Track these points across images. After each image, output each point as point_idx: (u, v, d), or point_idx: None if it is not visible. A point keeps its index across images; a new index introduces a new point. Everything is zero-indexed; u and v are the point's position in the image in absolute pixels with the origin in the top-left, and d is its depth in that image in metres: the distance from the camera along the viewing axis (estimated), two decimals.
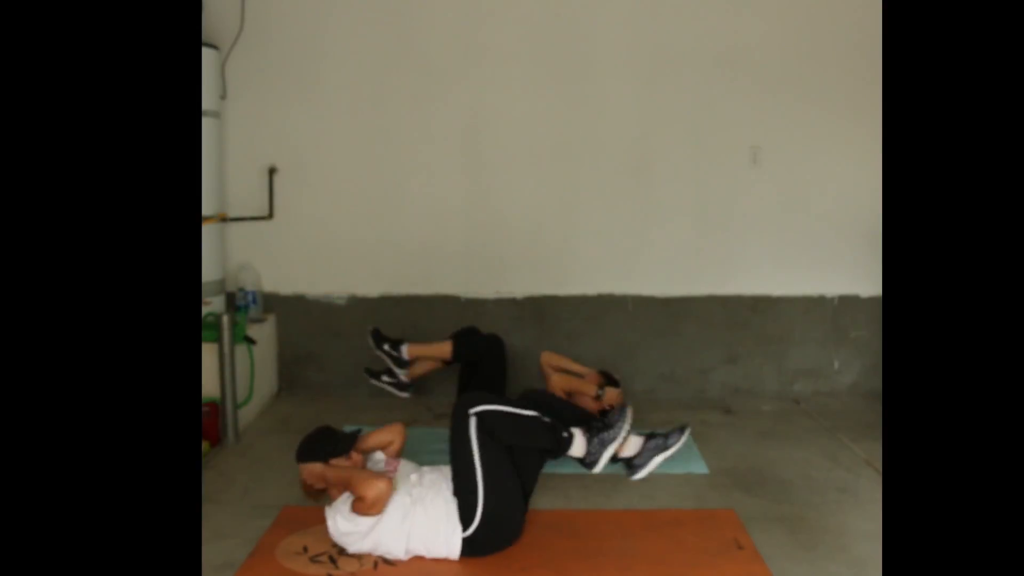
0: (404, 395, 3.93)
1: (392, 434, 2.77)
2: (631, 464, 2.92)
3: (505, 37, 4.09)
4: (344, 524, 2.44)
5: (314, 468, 2.60)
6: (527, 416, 2.60)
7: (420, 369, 3.88)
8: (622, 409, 2.72)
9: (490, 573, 2.45)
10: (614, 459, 2.87)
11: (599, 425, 2.65)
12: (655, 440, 2.95)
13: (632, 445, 2.87)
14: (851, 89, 4.08)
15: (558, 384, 3.44)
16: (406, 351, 3.79)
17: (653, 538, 2.66)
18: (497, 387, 3.61)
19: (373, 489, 2.38)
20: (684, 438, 2.95)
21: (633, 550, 2.58)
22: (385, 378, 3.91)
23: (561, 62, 4.10)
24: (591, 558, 2.53)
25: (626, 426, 2.65)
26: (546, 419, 2.64)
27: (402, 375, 3.87)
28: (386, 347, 3.79)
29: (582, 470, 2.90)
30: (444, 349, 3.73)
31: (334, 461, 2.61)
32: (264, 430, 3.70)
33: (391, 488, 2.45)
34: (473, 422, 2.51)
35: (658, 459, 2.90)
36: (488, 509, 2.47)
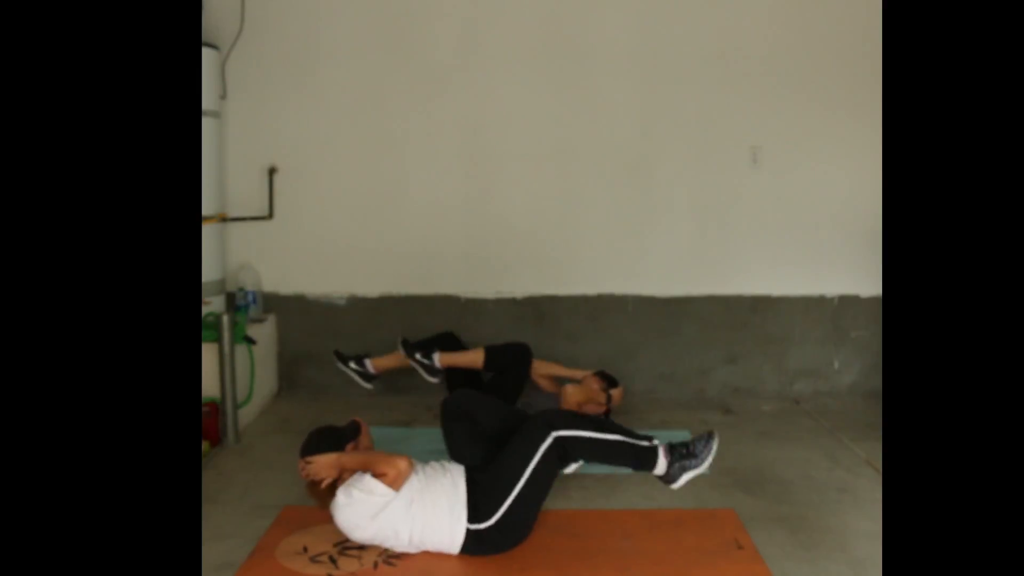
0: (368, 386, 3.89)
1: (392, 468, 2.47)
2: (664, 478, 2.75)
3: (505, 37, 4.09)
4: (359, 493, 2.42)
5: (328, 458, 2.54)
6: (611, 441, 2.61)
7: (389, 363, 3.86)
8: (709, 437, 2.70)
9: (490, 573, 2.45)
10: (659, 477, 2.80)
11: (682, 451, 2.66)
12: (679, 452, 2.72)
13: (662, 464, 2.71)
14: (851, 89, 4.08)
15: (572, 396, 3.45)
16: (438, 359, 3.76)
17: (653, 538, 2.66)
18: (513, 396, 3.62)
19: (394, 467, 2.42)
20: (713, 449, 2.70)
21: (633, 550, 2.58)
22: (353, 364, 3.87)
23: (561, 62, 4.10)
24: (591, 558, 2.53)
25: (710, 459, 2.67)
26: (630, 440, 2.65)
27: (370, 366, 3.83)
28: (418, 356, 3.77)
29: (582, 470, 2.90)
30: (476, 359, 3.72)
31: (349, 447, 2.63)
32: (264, 430, 3.70)
33: (412, 466, 2.47)
34: (550, 441, 2.52)
35: (688, 476, 2.70)
36: (510, 514, 2.49)
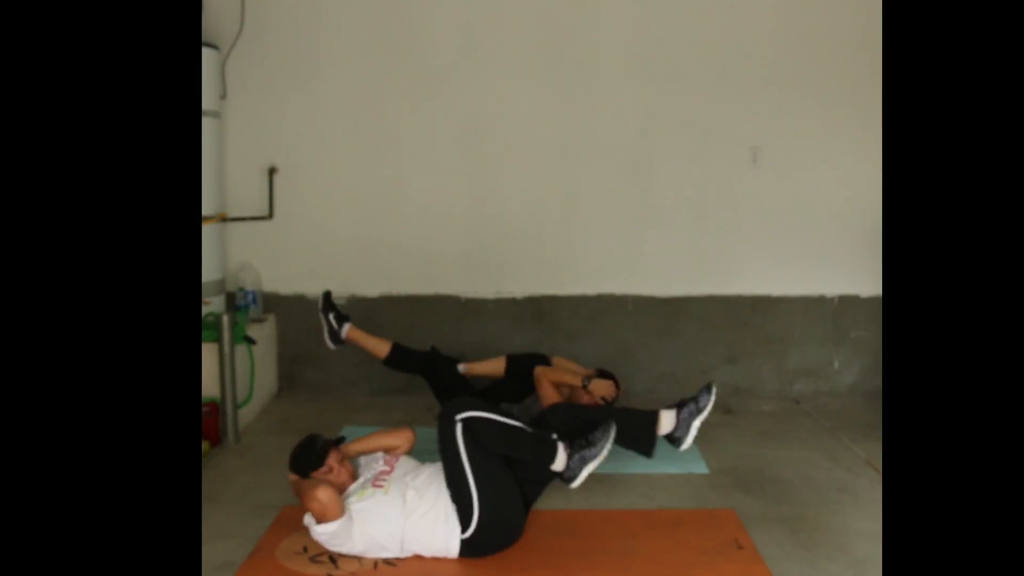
0: (332, 346, 3.75)
1: (399, 439, 2.82)
2: (673, 438, 2.94)
3: (505, 37, 4.09)
4: (313, 534, 2.49)
5: (292, 479, 2.67)
6: (512, 425, 2.60)
7: (361, 342, 3.74)
8: (606, 425, 2.70)
9: (490, 573, 2.45)
10: (667, 437, 2.92)
11: (582, 442, 2.66)
12: (687, 408, 2.94)
13: (667, 420, 2.90)
14: (851, 89, 4.07)
15: (543, 374, 3.40)
16: (463, 368, 3.74)
17: (653, 538, 2.66)
18: (518, 398, 3.62)
19: (314, 502, 2.42)
20: (712, 396, 2.95)
21: (633, 550, 2.58)
22: (332, 317, 3.75)
23: (561, 62, 4.10)
24: (591, 558, 2.53)
25: (608, 444, 2.65)
26: (531, 430, 2.65)
27: (344, 331, 3.72)
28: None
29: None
30: (498, 368, 3.69)
31: (314, 474, 2.61)
32: (264, 430, 3.70)
33: (330, 493, 2.44)
34: (459, 427, 2.53)
35: (696, 423, 2.91)
36: (485, 512, 2.48)
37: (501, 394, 3.59)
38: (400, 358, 3.73)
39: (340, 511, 2.44)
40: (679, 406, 2.95)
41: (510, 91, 4.11)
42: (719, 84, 4.10)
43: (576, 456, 2.63)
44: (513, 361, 3.69)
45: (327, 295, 3.79)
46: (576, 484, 2.64)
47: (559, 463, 2.63)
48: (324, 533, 2.46)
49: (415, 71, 4.10)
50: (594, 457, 2.63)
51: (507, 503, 2.56)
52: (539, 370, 3.42)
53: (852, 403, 4.17)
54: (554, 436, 2.66)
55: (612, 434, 2.66)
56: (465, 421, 2.53)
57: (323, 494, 2.41)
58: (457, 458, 2.52)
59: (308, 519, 2.49)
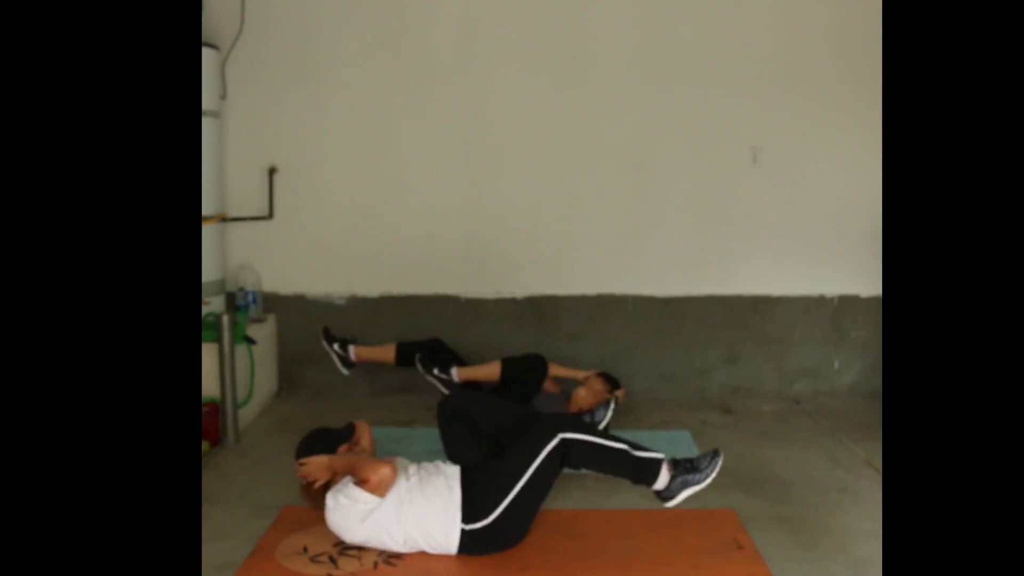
0: (347, 372, 3.91)
1: (375, 475, 2.47)
2: (661, 496, 2.73)
3: (505, 37, 4.09)
4: (344, 500, 2.45)
5: (320, 460, 2.58)
6: (615, 449, 2.59)
7: (369, 356, 3.88)
8: (715, 455, 2.68)
9: (490, 573, 2.45)
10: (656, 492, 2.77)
11: (687, 465, 2.64)
12: (681, 474, 2.70)
13: (663, 477, 2.69)
14: (851, 89, 4.07)
15: (583, 402, 3.46)
16: (456, 374, 3.76)
17: (653, 538, 2.66)
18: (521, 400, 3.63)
19: (376, 473, 2.42)
20: (716, 469, 2.68)
21: (633, 550, 2.58)
22: (337, 347, 3.88)
23: (561, 62, 4.10)
24: (591, 558, 2.53)
25: (713, 475, 2.63)
26: (634, 452, 2.63)
27: (351, 354, 3.86)
28: (436, 371, 3.77)
29: (582, 470, 2.89)
30: (493, 372, 3.71)
31: (340, 449, 2.64)
32: (264, 430, 3.70)
33: (395, 473, 2.47)
34: (555, 443, 2.51)
35: (688, 492, 2.69)
36: (507, 515, 2.48)
37: (506, 396, 3.59)
38: (407, 354, 3.81)
39: (386, 494, 2.45)
40: (674, 466, 2.69)
41: (510, 91, 4.11)
42: (719, 84, 4.10)
43: (679, 479, 2.62)
44: (508, 367, 3.70)
45: (325, 330, 3.93)
46: (672, 505, 2.64)
47: (660, 483, 2.63)
48: (364, 502, 2.42)
49: (415, 71, 4.10)
50: (697, 483, 2.61)
51: (527, 515, 2.57)
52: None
53: (852, 403, 4.17)
54: (660, 455, 2.64)
55: (719, 464, 2.65)
56: (567, 442, 2.52)
57: (388, 468, 2.43)
58: (528, 463, 2.50)
59: (344, 487, 2.45)
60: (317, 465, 2.56)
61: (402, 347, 3.84)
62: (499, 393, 3.62)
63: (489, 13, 4.07)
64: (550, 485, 2.61)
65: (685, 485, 2.63)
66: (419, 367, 3.80)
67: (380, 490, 2.43)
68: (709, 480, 2.64)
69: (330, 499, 2.48)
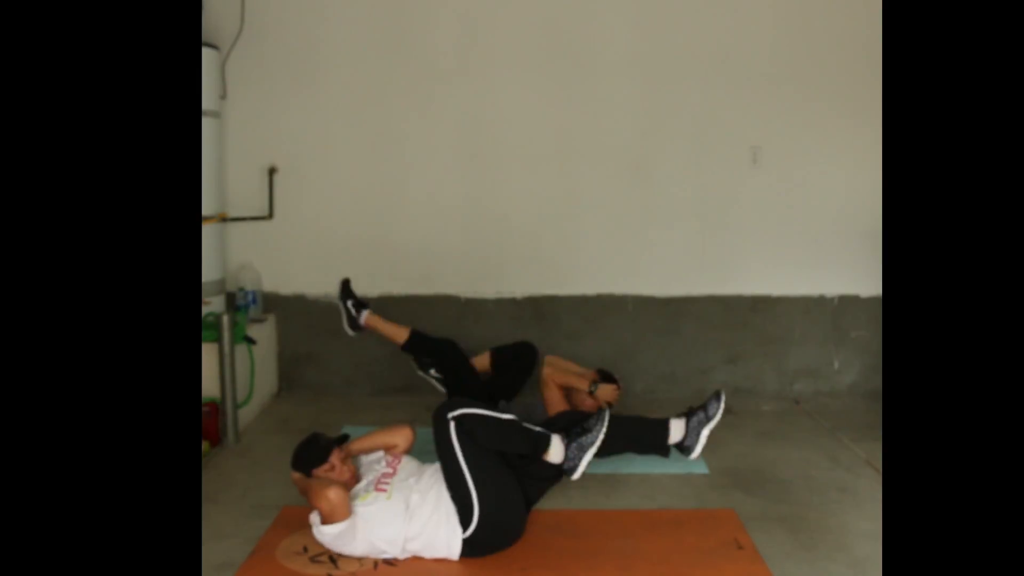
0: (351, 333, 3.87)
1: (398, 437, 2.79)
2: (683, 447, 2.96)
3: (505, 37, 4.09)
4: (317, 534, 2.49)
5: (295, 477, 2.66)
6: (505, 420, 2.61)
7: (379, 328, 3.84)
8: (599, 412, 2.70)
9: (490, 573, 2.45)
10: (677, 446, 2.94)
11: (577, 430, 2.66)
12: (696, 416, 2.96)
13: (677, 429, 2.92)
14: (851, 89, 4.07)
15: (550, 377, 3.42)
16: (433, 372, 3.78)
17: (653, 538, 2.66)
18: (510, 393, 3.65)
19: (324, 501, 2.42)
20: (722, 404, 2.96)
21: (633, 550, 2.58)
22: (351, 303, 3.86)
23: (561, 62, 4.10)
24: (591, 558, 2.53)
25: (603, 429, 2.65)
26: (525, 424, 2.65)
27: (362, 317, 3.83)
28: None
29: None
30: (483, 364, 3.75)
31: (315, 471, 2.61)
32: (264, 430, 3.70)
33: (342, 493, 2.44)
34: (452, 425, 2.53)
35: (705, 432, 2.93)
36: (485, 510, 2.48)
37: (494, 390, 3.60)
38: (418, 344, 3.79)
39: (348, 512, 2.44)
40: (688, 415, 2.97)
41: (510, 91, 4.11)
42: (719, 84, 4.10)
43: (574, 445, 2.63)
44: (497, 354, 3.73)
45: (346, 282, 3.90)
46: (577, 474, 2.64)
47: (556, 454, 2.63)
48: (329, 534, 2.46)
49: (415, 71, 4.10)
50: (591, 444, 2.62)
51: (506, 501, 2.56)
52: (547, 372, 3.43)
53: (852, 403, 4.17)
54: (548, 432, 2.66)
55: (606, 419, 2.66)
56: (458, 419, 2.53)
57: (333, 494, 2.41)
58: (453, 457, 2.52)
59: (314, 517, 2.49)
60: (295, 481, 2.65)
61: (416, 336, 3.79)
62: (492, 384, 3.64)
63: (489, 13, 4.07)
64: (499, 466, 2.58)
65: (582, 449, 2.64)
66: (413, 365, 3.83)
67: (335, 516, 2.43)
68: (602, 435, 2.64)
69: (315, 533, 2.51)
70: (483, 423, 2.56)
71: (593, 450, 2.62)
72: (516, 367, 3.73)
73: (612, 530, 2.71)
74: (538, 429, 2.67)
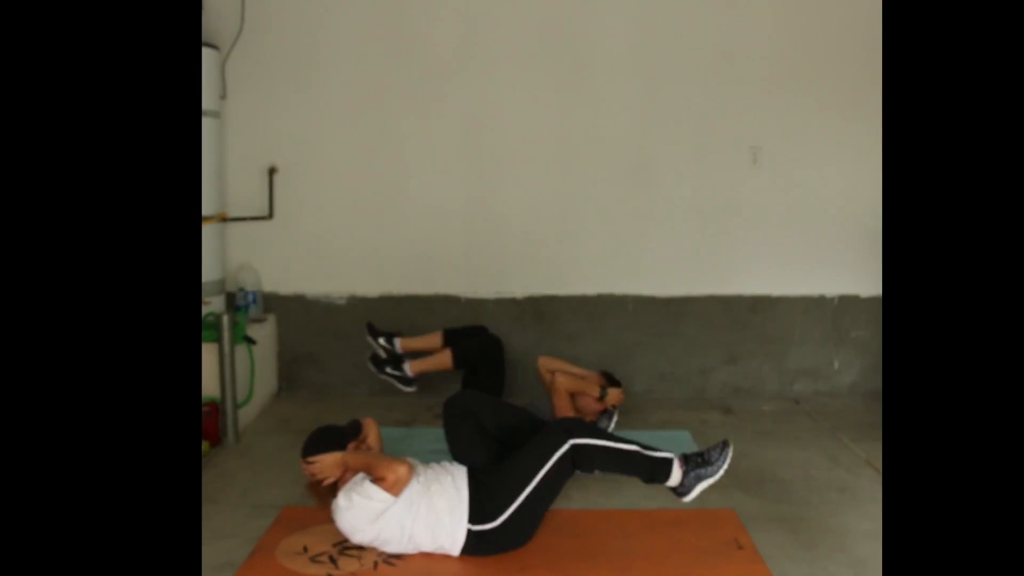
0: (409, 389, 3.86)
1: (391, 476, 2.48)
2: (677, 491, 2.75)
3: (505, 37, 4.09)
4: (359, 498, 2.42)
5: (333, 458, 2.55)
6: (626, 451, 2.60)
7: (426, 370, 3.82)
8: (724, 448, 2.68)
9: (490, 573, 2.45)
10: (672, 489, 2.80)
11: (698, 459, 2.65)
12: (695, 472, 2.71)
13: (676, 474, 2.71)
14: (851, 89, 4.07)
15: (563, 384, 3.43)
16: (409, 368, 3.77)
17: (653, 538, 2.66)
18: (496, 390, 3.62)
19: (394, 472, 2.42)
20: (727, 460, 2.69)
21: (633, 550, 2.58)
22: (389, 370, 3.85)
23: (561, 62, 4.10)
24: (591, 558, 2.53)
25: (725, 466, 2.64)
26: (646, 452, 2.63)
27: (408, 370, 3.82)
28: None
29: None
30: (444, 361, 3.73)
31: (351, 446, 2.62)
32: (264, 430, 3.70)
33: (411, 472, 2.47)
34: (566, 448, 2.52)
35: (702, 486, 2.70)
36: (515, 518, 2.49)
37: (480, 388, 3.57)
38: (462, 356, 3.75)
39: (400, 493, 2.44)
40: (686, 461, 2.70)
41: (510, 91, 4.11)
42: (719, 84, 4.10)
43: (692, 474, 2.62)
44: (457, 352, 3.71)
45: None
46: (688, 499, 2.65)
47: (674, 480, 2.64)
48: (364, 509, 2.40)
49: (415, 71, 4.10)
50: (710, 476, 2.62)
51: (535, 518, 2.58)
52: (559, 380, 3.42)
53: (852, 403, 4.17)
54: (670, 454, 2.65)
55: (729, 455, 2.65)
56: (577, 447, 2.53)
57: (404, 468, 2.43)
58: (538, 467, 2.51)
59: (358, 485, 2.44)
60: (328, 463, 2.54)
61: (456, 351, 3.75)
62: (473, 381, 3.64)
63: (489, 13, 4.07)
64: (558, 490, 2.61)
65: (699, 479, 2.63)
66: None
67: (396, 489, 2.43)
68: (722, 471, 2.64)
69: (343, 498, 2.46)
70: (602, 454, 2.56)
71: (710, 482, 2.63)
72: (490, 371, 3.70)
73: (612, 530, 2.71)
74: (659, 455, 2.63)
